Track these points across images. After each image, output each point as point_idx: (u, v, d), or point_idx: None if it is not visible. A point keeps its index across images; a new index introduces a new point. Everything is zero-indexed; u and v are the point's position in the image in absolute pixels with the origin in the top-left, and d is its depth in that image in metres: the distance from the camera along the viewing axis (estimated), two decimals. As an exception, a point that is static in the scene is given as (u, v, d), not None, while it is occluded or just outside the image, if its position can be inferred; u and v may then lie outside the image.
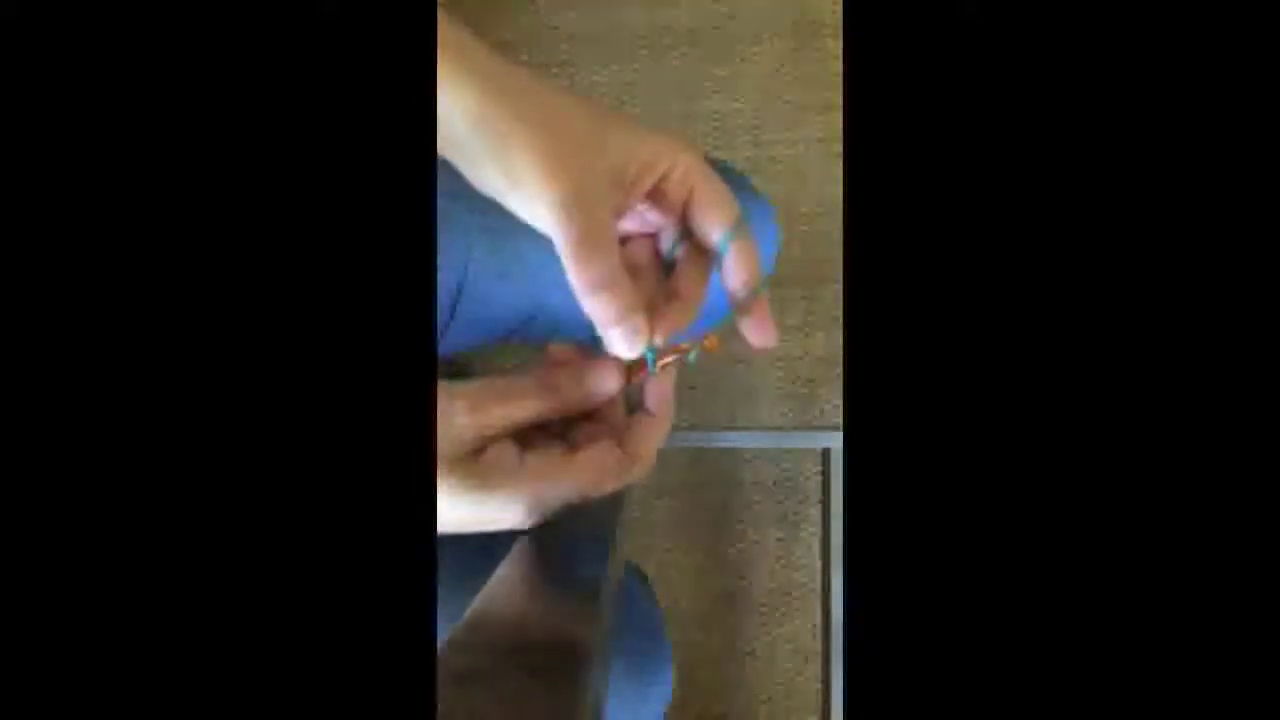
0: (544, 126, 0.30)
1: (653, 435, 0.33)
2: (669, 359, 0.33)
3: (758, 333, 0.35)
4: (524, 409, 0.31)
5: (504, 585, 0.26)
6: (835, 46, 1.01)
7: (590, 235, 0.30)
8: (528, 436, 0.32)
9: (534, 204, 0.30)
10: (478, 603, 0.25)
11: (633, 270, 0.35)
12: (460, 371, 0.32)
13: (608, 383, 0.33)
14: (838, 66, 1.01)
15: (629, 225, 0.36)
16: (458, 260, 0.46)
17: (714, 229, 0.34)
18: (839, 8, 1.01)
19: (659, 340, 0.32)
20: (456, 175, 0.31)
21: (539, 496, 0.30)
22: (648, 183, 0.33)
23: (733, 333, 0.35)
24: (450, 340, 0.50)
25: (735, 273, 0.34)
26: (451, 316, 0.48)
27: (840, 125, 1.00)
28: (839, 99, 1.01)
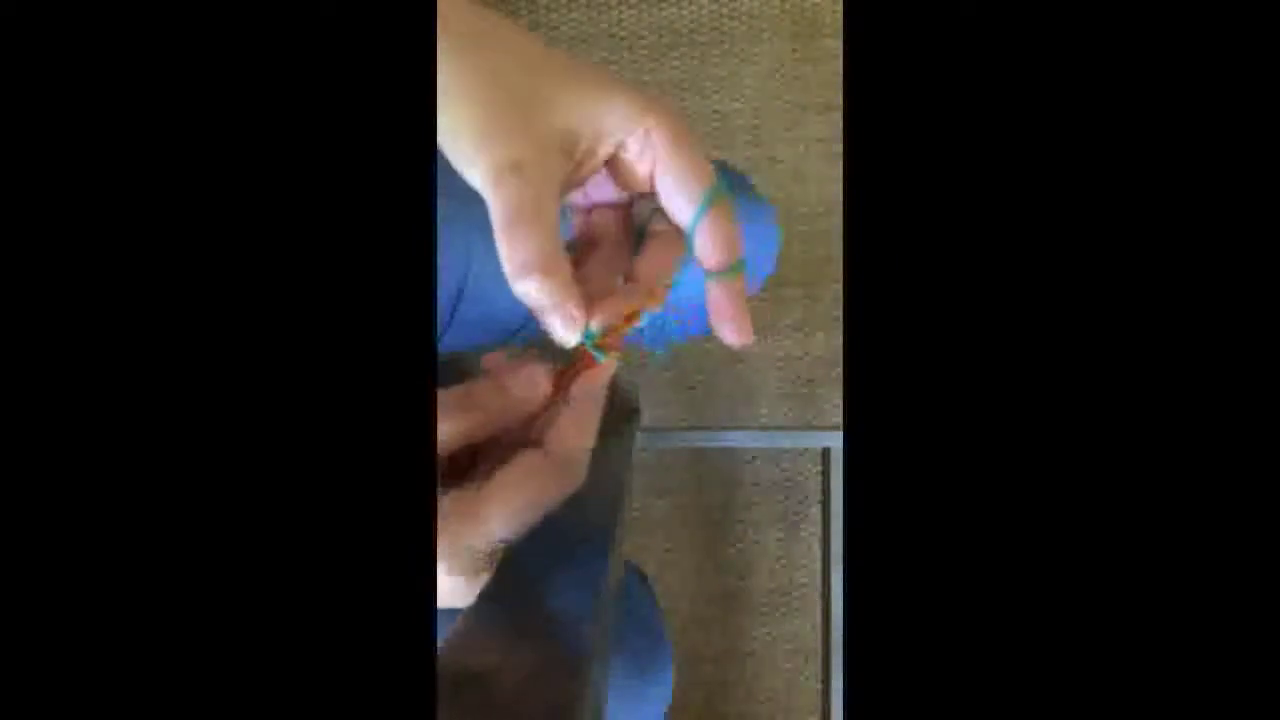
0: (487, 80, 0.27)
1: (572, 427, 0.28)
2: (612, 338, 0.29)
3: (727, 327, 0.30)
4: (440, 432, 0.26)
5: (502, 584, 0.26)
6: (835, 46, 1.01)
7: (523, 211, 0.26)
8: (448, 470, 0.28)
9: (470, 168, 0.27)
10: (476, 602, 0.25)
11: (597, 243, 0.32)
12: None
13: (534, 388, 0.28)
14: (838, 66, 1.00)
15: (598, 193, 0.32)
16: (458, 260, 0.46)
17: (682, 207, 0.30)
18: (839, 8, 1.00)
19: (595, 326, 0.28)
20: (457, 175, 0.30)
21: (452, 543, 0.25)
22: (604, 153, 0.29)
23: None
24: (450, 340, 0.50)
25: (705, 253, 0.30)
26: (451, 317, 0.48)
27: (840, 125, 1.00)
28: (839, 99, 1.01)
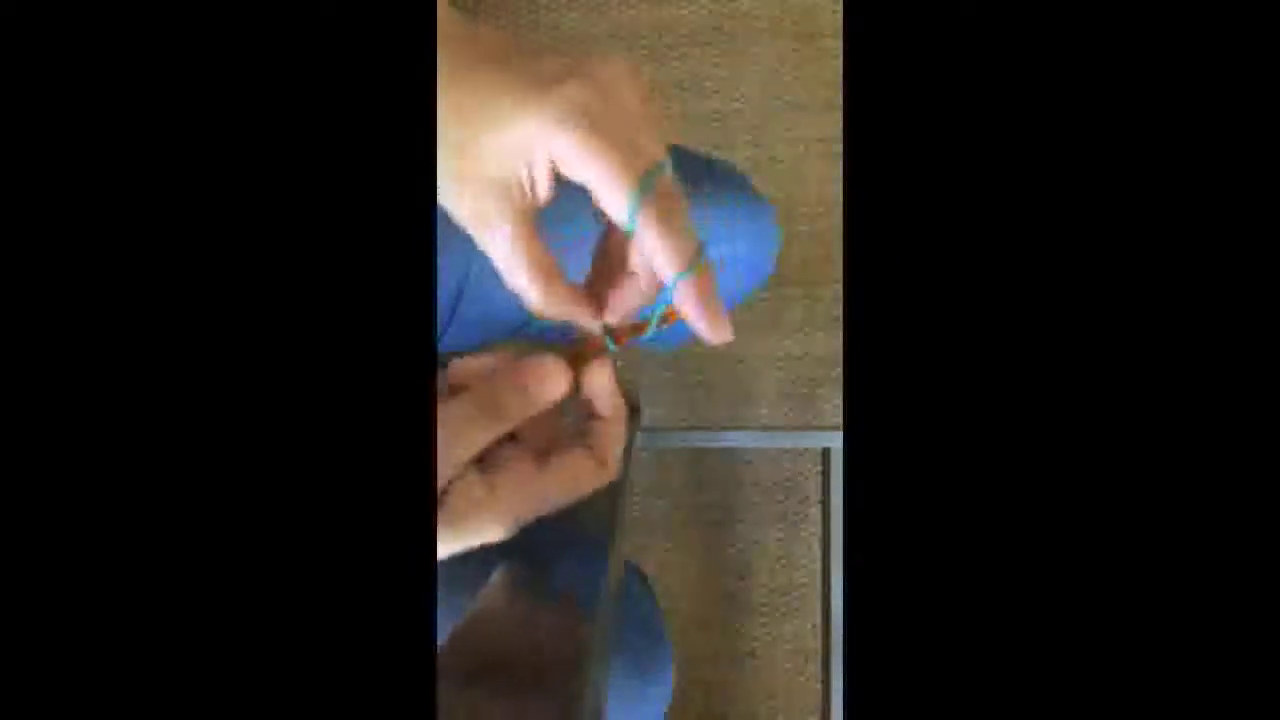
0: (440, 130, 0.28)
1: (616, 436, 0.31)
2: (627, 338, 0.32)
3: (701, 327, 0.29)
4: (475, 442, 0.28)
5: (502, 585, 0.26)
6: (835, 46, 1.01)
7: (508, 263, 0.29)
8: (487, 454, 0.29)
9: (454, 215, 0.30)
10: (478, 603, 0.25)
11: (614, 225, 0.32)
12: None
13: (555, 385, 0.29)
14: (838, 66, 1.00)
15: None
16: (458, 260, 0.46)
17: (614, 208, 0.27)
18: (839, 8, 1.00)
19: (611, 320, 0.31)
20: None
21: (514, 515, 0.28)
22: (544, 172, 0.28)
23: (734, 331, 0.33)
24: (450, 340, 0.50)
25: (649, 251, 0.28)
26: (451, 316, 0.48)
27: (840, 125, 1.00)
28: (839, 99, 1.00)
